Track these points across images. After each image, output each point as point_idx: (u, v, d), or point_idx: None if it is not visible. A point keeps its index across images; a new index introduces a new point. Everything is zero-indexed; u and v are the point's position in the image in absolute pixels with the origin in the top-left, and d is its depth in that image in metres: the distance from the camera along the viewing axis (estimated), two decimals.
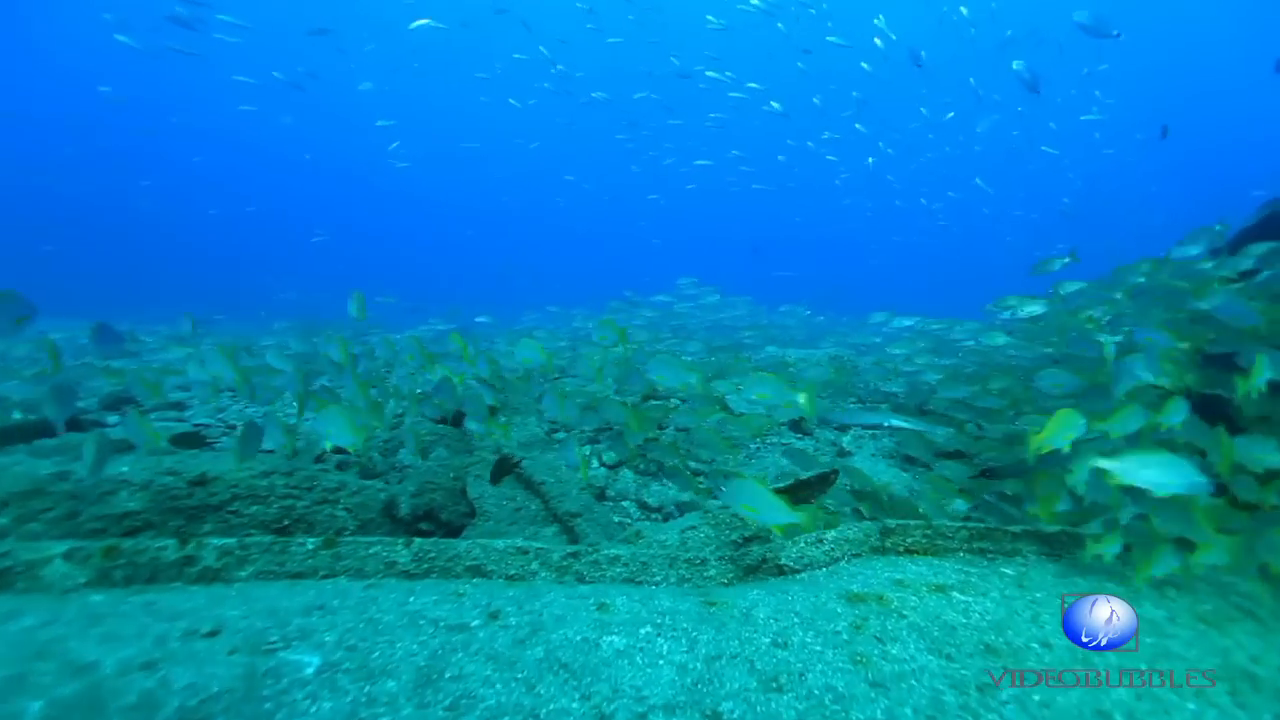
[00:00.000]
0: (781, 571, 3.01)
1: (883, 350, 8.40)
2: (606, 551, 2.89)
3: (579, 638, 1.98)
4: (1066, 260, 5.77)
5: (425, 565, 2.62)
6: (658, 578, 2.88)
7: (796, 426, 7.15)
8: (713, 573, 2.95)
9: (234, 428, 6.15)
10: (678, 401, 7.27)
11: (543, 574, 2.76)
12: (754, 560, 3.02)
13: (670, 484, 6.19)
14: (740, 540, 3.27)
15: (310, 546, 2.52)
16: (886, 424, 3.26)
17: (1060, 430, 3.20)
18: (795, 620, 2.23)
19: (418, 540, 2.67)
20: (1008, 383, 5.36)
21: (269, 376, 6.74)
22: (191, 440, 5.16)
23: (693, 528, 3.31)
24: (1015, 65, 8.21)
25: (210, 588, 2.29)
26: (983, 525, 3.34)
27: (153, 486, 3.37)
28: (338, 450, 6.34)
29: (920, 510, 4.53)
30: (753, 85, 21.91)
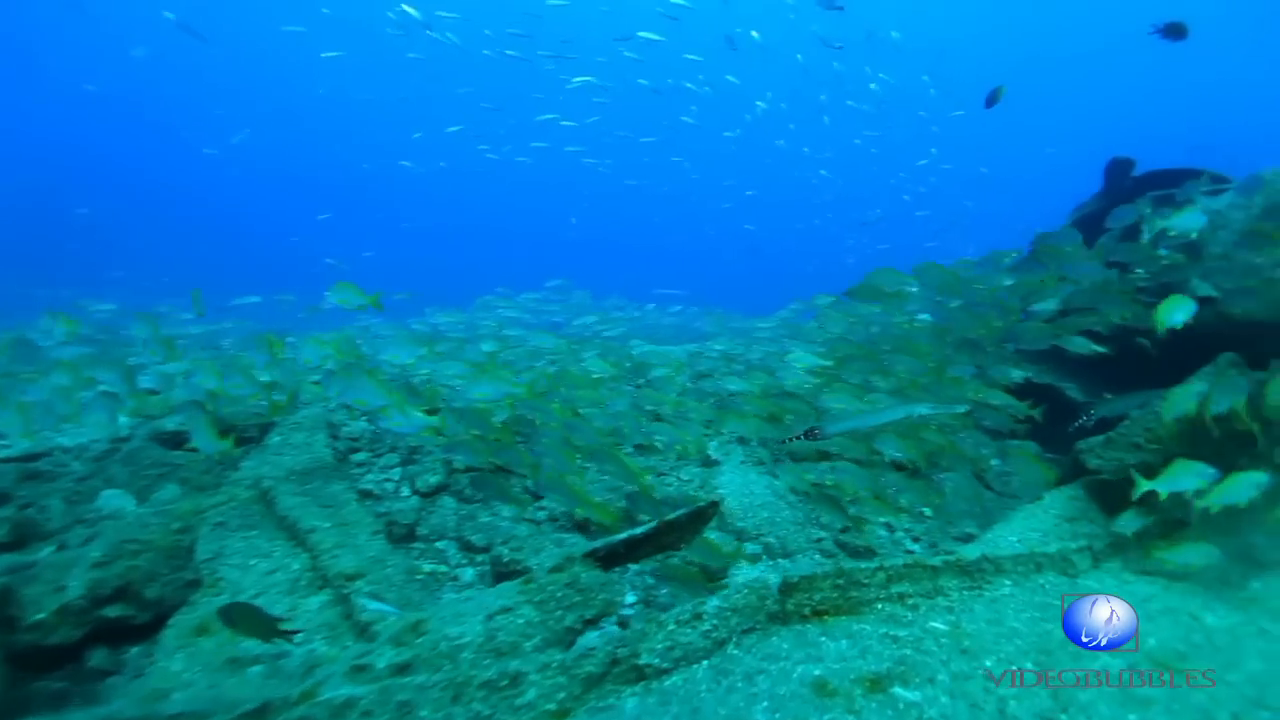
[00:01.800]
0: (642, 675, 1.91)
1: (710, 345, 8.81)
2: (332, 694, 1.59)
3: None
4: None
5: None
6: None
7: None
8: (532, 695, 1.77)
9: None
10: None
11: None
12: (600, 663, 1.89)
13: (503, 510, 4.91)
14: (579, 624, 2.12)
15: None
16: (917, 415, 2.86)
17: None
18: None
19: None
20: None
21: None
22: None
23: (506, 609, 2.09)
24: None
25: None
26: (899, 564, 2.52)
27: None
28: None
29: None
30: (583, 78, 20.72)
